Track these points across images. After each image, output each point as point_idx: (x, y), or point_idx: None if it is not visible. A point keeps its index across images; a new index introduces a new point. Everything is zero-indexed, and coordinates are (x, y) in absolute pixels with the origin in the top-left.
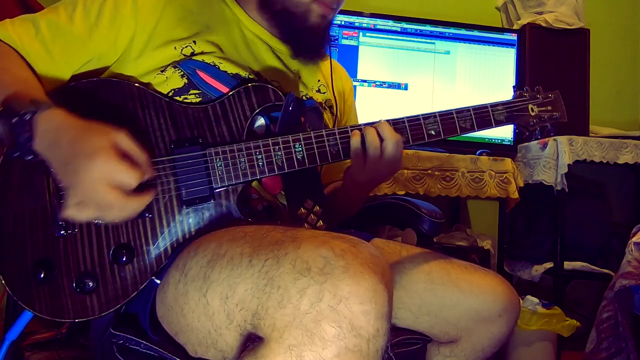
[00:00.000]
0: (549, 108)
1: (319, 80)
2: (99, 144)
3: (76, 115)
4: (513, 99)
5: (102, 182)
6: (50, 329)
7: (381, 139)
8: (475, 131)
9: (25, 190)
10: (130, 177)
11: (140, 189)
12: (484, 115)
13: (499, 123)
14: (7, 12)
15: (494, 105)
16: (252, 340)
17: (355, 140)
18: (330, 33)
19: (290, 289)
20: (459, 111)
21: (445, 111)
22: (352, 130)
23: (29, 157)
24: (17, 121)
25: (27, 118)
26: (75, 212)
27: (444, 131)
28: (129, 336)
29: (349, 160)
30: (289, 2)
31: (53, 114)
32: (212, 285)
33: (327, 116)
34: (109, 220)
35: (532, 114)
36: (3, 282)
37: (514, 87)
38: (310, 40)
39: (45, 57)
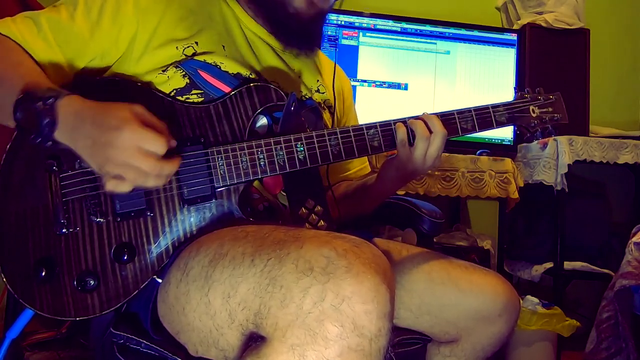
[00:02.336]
0: (550, 109)
1: (317, 80)
2: (122, 115)
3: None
4: (514, 100)
5: (135, 150)
6: (50, 329)
7: (430, 132)
8: (476, 132)
9: (27, 189)
10: (159, 143)
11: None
12: (485, 116)
13: (500, 124)
14: (6, 11)
15: (495, 107)
16: (254, 340)
17: (401, 132)
18: (324, 25)
19: (293, 288)
20: (460, 112)
21: (446, 112)
22: (395, 124)
23: (49, 143)
24: (42, 105)
25: (51, 102)
26: (115, 185)
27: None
28: (129, 336)
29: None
30: None
31: (72, 99)
32: (214, 284)
33: (326, 116)
34: (149, 186)
35: (534, 115)
36: (4, 280)
37: (515, 88)
38: (296, 28)
39: (49, 54)
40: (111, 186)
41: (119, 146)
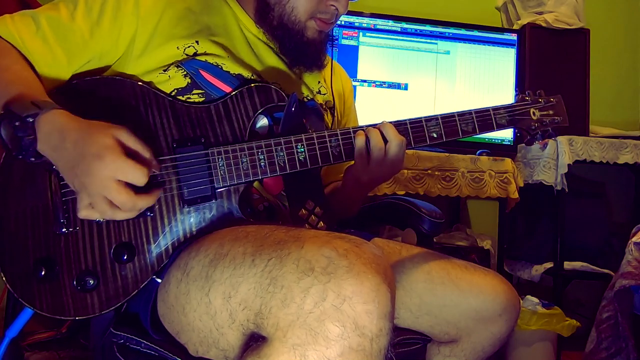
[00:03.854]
0: (551, 112)
1: (319, 82)
2: (104, 142)
3: (78, 115)
4: (515, 102)
5: (112, 181)
6: (50, 329)
7: (385, 141)
8: (477, 134)
9: (27, 188)
10: (138, 174)
11: (146, 186)
12: (485, 119)
13: (500, 127)
14: (6, 10)
15: (496, 109)
16: (254, 340)
17: (359, 140)
18: (330, 39)
19: (293, 288)
20: (461, 114)
21: (447, 114)
22: (355, 131)
23: (32, 159)
24: (20, 124)
25: (30, 121)
26: (88, 212)
27: (446, 134)
28: (129, 336)
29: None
30: (287, 19)
31: (55, 115)
32: (215, 284)
33: (327, 117)
34: (118, 218)
35: (534, 118)
36: (4, 279)
37: (515, 90)
38: (308, 53)
39: (46, 54)
40: (83, 213)
41: (96, 176)
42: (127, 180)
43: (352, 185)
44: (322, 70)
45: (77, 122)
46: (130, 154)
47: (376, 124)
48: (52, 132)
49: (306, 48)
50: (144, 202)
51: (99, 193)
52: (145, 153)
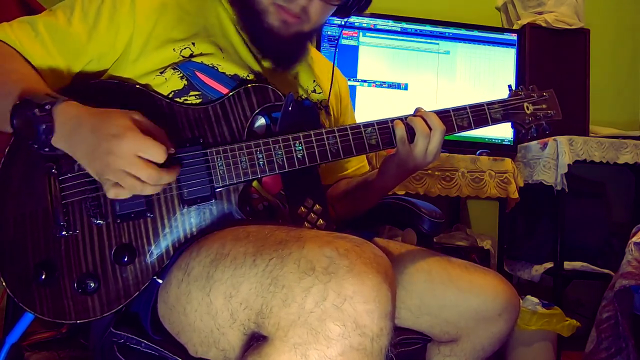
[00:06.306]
0: (544, 106)
1: (314, 81)
2: (121, 124)
3: (89, 105)
4: (509, 97)
5: (134, 159)
6: (50, 329)
7: (430, 129)
8: (472, 129)
9: (25, 192)
10: (158, 151)
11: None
12: (480, 113)
13: (495, 121)
14: (7, 12)
15: (490, 104)
16: (255, 339)
17: (400, 129)
18: (308, 45)
19: (294, 288)
20: (456, 109)
21: (442, 110)
22: (393, 122)
23: (46, 150)
24: (39, 112)
25: (48, 108)
26: (117, 191)
27: None
28: (129, 335)
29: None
30: None
31: (69, 104)
32: (216, 284)
33: (322, 116)
34: (148, 192)
35: (528, 112)
36: (4, 284)
37: (509, 86)
38: (273, 44)
39: (46, 58)
40: (112, 194)
41: (119, 154)
42: (147, 157)
43: (394, 174)
44: (316, 66)
45: (91, 109)
46: (147, 134)
47: (415, 113)
48: (68, 121)
49: (270, 37)
50: (168, 176)
51: (124, 170)
52: (160, 133)
